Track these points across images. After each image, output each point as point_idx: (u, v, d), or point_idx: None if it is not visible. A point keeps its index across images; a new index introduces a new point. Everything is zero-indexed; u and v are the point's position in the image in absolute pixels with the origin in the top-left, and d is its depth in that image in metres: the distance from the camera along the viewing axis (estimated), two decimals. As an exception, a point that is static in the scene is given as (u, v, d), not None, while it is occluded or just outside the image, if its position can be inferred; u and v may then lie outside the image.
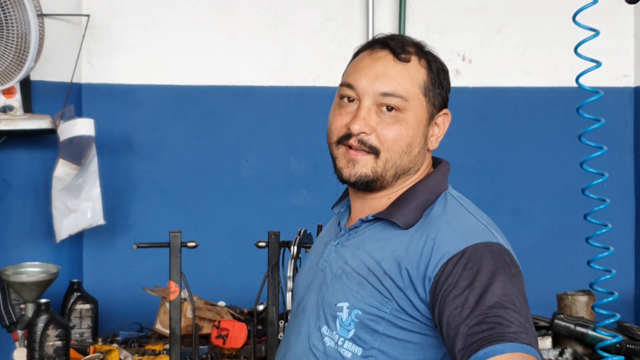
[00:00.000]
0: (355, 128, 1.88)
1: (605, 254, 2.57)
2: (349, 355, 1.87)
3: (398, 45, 1.93)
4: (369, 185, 1.93)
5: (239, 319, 3.60)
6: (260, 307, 3.46)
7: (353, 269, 1.91)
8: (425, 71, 1.93)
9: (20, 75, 3.70)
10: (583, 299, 3.76)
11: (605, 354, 2.53)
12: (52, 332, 3.18)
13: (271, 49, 4.49)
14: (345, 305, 1.88)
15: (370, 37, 4.32)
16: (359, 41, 4.42)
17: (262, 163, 4.52)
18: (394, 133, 1.90)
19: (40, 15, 3.77)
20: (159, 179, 4.46)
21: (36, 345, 3.17)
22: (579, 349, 3.55)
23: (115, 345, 3.53)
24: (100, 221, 3.98)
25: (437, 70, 1.95)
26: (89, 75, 4.34)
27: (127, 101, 4.41)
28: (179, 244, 3.15)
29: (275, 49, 4.49)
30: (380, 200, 1.98)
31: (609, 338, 3.46)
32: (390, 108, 1.89)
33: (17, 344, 3.39)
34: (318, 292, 1.99)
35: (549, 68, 4.55)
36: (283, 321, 3.17)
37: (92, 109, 4.29)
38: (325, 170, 4.33)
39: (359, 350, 1.86)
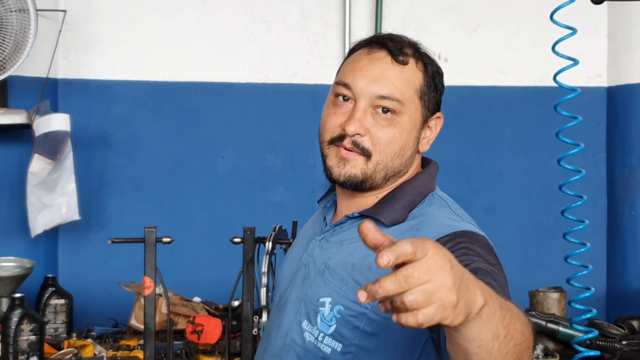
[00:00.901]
0: (351, 129, 1.88)
1: (581, 249, 2.60)
2: (328, 350, 1.87)
3: (396, 47, 1.92)
4: (357, 186, 1.94)
5: (214, 315, 3.61)
6: (236, 303, 3.55)
7: (337, 264, 1.92)
8: (422, 74, 1.93)
9: (14, 69, 3.72)
10: (555, 295, 3.80)
11: (582, 349, 2.55)
12: (26, 327, 3.18)
13: (248, 45, 4.50)
14: (327, 300, 1.89)
15: (347, 35, 4.46)
16: (336, 39, 4.53)
17: (239, 159, 4.52)
18: (388, 136, 1.90)
19: (21, 11, 3.77)
20: (135, 175, 4.45)
21: (10, 339, 3.16)
22: (550, 345, 3.59)
23: (89, 341, 3.54)
24: (76, 216, 3.97)
25: (432, 73, 1.95)
26: (65, 70, 4.34)
27: (103, 97, 4.41)
28: (154, 239, 3.16)
29: (252, 46, 4.50)
30: (368, 199, 1.99)
31: (580, 334, 3.52)
32: (385, 110, 1.89)
33: (-9, 338, 3.38)
34: (300, 286, 1.99)
35: (523, 67, 4.58)
36: (258, 317, 3.18)
37: (68, 104, 4.29)
38: (301, 167, 4.58)
39: (338, 346, 1.86)
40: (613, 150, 4.63)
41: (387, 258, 1.21)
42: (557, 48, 2.47)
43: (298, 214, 4.21)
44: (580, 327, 3.42)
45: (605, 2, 2.72)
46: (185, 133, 4.49)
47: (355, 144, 1.90)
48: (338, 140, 1.91)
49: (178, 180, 4.49)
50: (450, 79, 4.39)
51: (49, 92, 4.14)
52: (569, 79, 2.54)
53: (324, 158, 1.96)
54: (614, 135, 4.62)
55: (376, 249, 1.26)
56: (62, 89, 4.34)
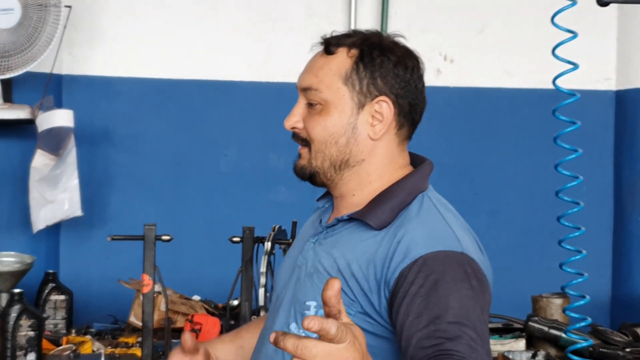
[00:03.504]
0: (286, 124, 1.97)
1: (577, 257, 2.58)
2: None
3: (333, 40, 1.95)
4: (311, 178, 1.97)
5: (212, 314, 3.60)
6: (235, 302, 3.54)
7: (325, 268, 1.91)
8: (351, 60, 1.91)
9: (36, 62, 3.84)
10: (558, 301, 3.77)
11: (576, 358, 2.52)
12: (24, 323, 3.17)
13: (253, 44, 4.49)
14: (313, 304, 1.88)
15: None
16: (342, 38, 4.48)
17: (241, 158, 4.50)
18: (317, 125, 1.92)
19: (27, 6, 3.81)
20: (138, 172, 4.43)
21: (8, 335, 3.15)
22: (553, 352, 3.57)
23: (88, 337, 3.53)
24: (78, 212, 3.96)
25: (370, 57, 1.91)
26: (69, 66, 4.32)
27: (107, 93, 4.39)
28: (154, 237, 3.16)
29: (257, 45, 4.49)
30: (347, 198, 1.98)
31: (582, 341, 3.50)
32: (314, 103, 1.93)
33: (-10, 333, 3.37)
34: (293, 288, 1.98)
35: (528, 69, 4.54)
36: (256, 317, 3.17)
37: (71, 100, 4.26)
38: None
39: None
40: (620, 154, 4.59)
41: (312, 325, 1.32)
42: (562, 51, 2.45)
43: (299, 214, 4.18)
44: (574, 336, 3.34)
45: (614, 5, 2.69)
46: (188, 131, 4.47)
47: (297, 137, 1.97)
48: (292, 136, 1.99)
49: (180, 178, 4.47)
50: (455, 80, 4.48)
51: (53, 88, 4.11)
52: (575, 82, 2.52)
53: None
54: (622, 140, 4.59)
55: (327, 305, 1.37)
56: (66, 85, 4.32)
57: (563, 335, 3.54)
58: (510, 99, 4.60)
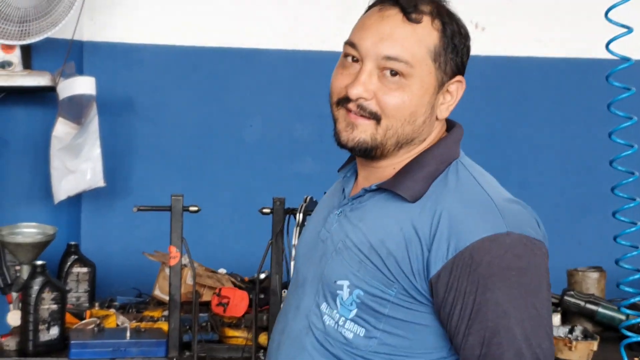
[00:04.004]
0: (353, 93, 1.75)
1: (632, 229, 2.46)
2: (350, 335, 1.77)
3: (410, 4, 1.77)
4: (367, 153, 1.80)
5: (239, 287, 3.51)
6: (262, 275, 3.42)
7: (354, 244, 1.79)
8: (438, 34, 1.77)
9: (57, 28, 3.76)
10: (594, 275, 3.68)
11: (630, 334, 2.43)
12: (47, 295, 3.09)
13: (278, 11, 4.39)
14: (345, 283, 1.77)
15: None
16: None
17: (266, 128, 4.43)
18: (396, 100, 1.76)
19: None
20: (161, 142, 4.37)
21: (31, 308, 3.07)
22: (589, 327, 3.47)
23: (112, 311, 3.45)
24: (100, 183, 3.91)
25: (451, 34, 1.78)
26: (90, 32, 4.23)
27: (129, 60, 4.30)
28: (181, 208, 3.07)
29: (282, 12, 4.39)
30: (385, 170, 1.84)
31: (621, 316, 3.42)
32: (394, 73, 1.75)
33: (10, 306, 3.30)
34: (318, 264, 1.87)
35: (564, 37, 4.44)
36: (286, 290, 3.08)
37: (93, 67, 4.18)
38: (330, 138, 4.20)
39: (361, 331, 1.76)
40: None
41: None
42: (610, 15, 2.33)
43: (325, 185, 4.07)
44: (627, 311, 3.28)
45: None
46: (213, 100, 4.39)
47: (362, 108, 1.76)
48: (344, 101, 1.78)
49: (204, 149, 4.40)
50: (485, 49, 4.34)
51: (74, 55, 4.02)
52: (623, 49, 2.40)
53: (334, 121, 1.83)
54: None
55: None
56: (87, 52, 4.24)
57: (600, 310, 3.46)
58: (544, 68, 4.49)
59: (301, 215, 2.97)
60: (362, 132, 1.78)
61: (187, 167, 4.39)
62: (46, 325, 3.09)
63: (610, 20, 2.32)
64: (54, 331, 3.11)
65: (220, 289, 3.30)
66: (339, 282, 1.79)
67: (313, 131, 4.40)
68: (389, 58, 1.74)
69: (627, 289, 2.45)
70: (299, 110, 4.41)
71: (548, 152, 4.53)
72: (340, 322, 1.77)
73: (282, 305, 2.63)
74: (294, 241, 2.92)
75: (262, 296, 3.25)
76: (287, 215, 3.11)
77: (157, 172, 4.35)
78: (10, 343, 3.13)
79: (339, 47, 4.53)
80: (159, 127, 4.36)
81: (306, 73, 4.39)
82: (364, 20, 1.81)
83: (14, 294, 3.28)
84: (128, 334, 3.12)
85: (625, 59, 2.31)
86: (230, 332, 3.26)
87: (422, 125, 1.81)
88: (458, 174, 1.80)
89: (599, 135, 4.40)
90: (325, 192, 2.59)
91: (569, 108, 4.49)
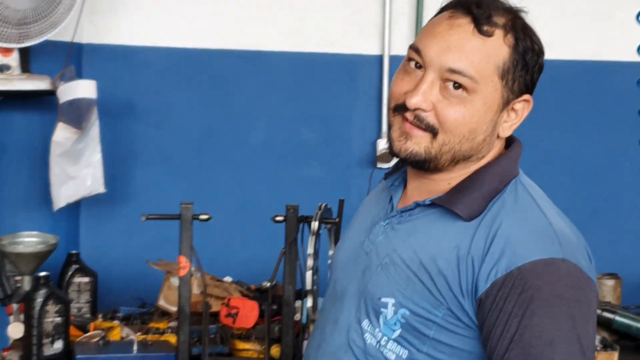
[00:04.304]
0: (412, 102, 1.66)
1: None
2: (392, 357, 1.68)
3: (484, 14, 1.67)
4: (420, 165, 1.72)
5: (247, 296, 3.42)
6: (265, 284, 3.41)
7: (403, 260, 1.70)
8: (509, 50, 1.67)
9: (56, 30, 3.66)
10: (610, 282, 3.60)
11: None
12: (51, 308, 2.99)
13: (284, 12, 4.28)
14: (390, 301, 1.68)
15: (388, 3, 4.21)
16: (376, 7, 4.30)
17: (271, 132, 4.33)
18: (457, 115, 1.66)
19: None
20: (163, 147, 4.27)
21: (34, 321, 2.97)
22: (606, 335, 3.38)
23: (116, 322, 3.33)
24: (101, 189, 3.81)
25: (524, 50, 1.68)
26: (90, 34, 4.11)
27: (130, 63, 4.20)
28: (191, 216, 2.97)
29: (288, 12, 4.29)
30: (439, 184, 1.76)
31: (638, 324, 3.35)
32: (457, 86, 1.65)
33: (10, 318, 3.19)
34: (361, 278, 1.77)
35: (573, 39, 4.36)
36: (300, 301, 2.99)
37: (93, 70, 4.06)
38: (337, 142, 4.37)
39: (404, 353, 1.67)
40: None
41: None
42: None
43: (331, 190, 4.03)
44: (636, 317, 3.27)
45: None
46: (216, 103, 4.29)
47: (419, 119, 1.67)
48: (402, 109, 1.69)
49: (207, 153, 4.30)
50: None
51: (73, 58, 3.92)
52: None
53: (389, 127, 1.75)
54: None
55: None
56: (87, 55, 4.13)
57: (617, 318, 3.38)
58: (552, 71, 4.21)
59: (317, 223, 2.88)
60: (416, 144, 1.70)
61: (190, 173, 4.30)
62: (50, 338, 3.00)
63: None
64: (58, 345, 3.01)
65: (229, 299, 3.22)
66: (383, 300, 1.70)
67: (319, 135, 4.34)
68: (453, 71, 1.66)
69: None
70: (305, 113, 4.33)
71: (557, 157, 4.44)
72: (383, 342, 1.69)
73: (316, 318, 2.53)
74: (310, 250, 2.82)
75: (274, 307, 3.15)
76: (301, 224, 3.00)
77: (159, 178, 4.26)
78: (13, 357, 3.05)
79: (345, 49, 4.54)
80: (161, 132, 4.26)
81: (312, 75, 4.33)
82: (432, 26, 1.72)
83: (15, 306, 3.17)
84: (135, 347, 3.01)
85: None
86: (241, 345, 3.17)
87: (482, 143, 1.72)
88: (517, 194, 1.71)
89: (608, 139, 4.41)
90: (341, 199, 2.47)
91: (579, 112, 4.44)
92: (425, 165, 1.71)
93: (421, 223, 1.73)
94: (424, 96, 1.66)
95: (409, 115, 1.68)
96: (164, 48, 4.21)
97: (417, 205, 1.75)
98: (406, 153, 1.70)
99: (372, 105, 4.30)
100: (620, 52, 4.30)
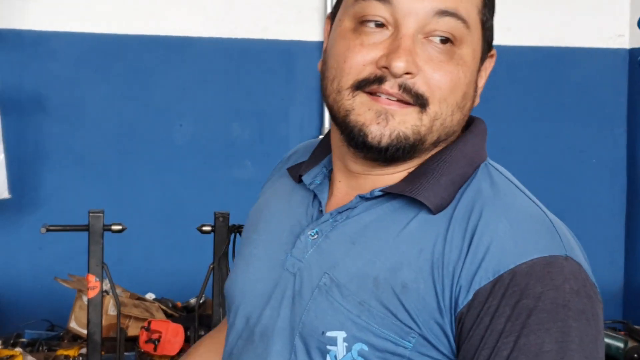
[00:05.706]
0: (399, 67, 1.27)
1: None
2: None
3: None
4: (404, 152, 1.32)
5: (172, 317, 3.15)
6: (193, 301, 3.23)
7: (349, 278, 1.30)
8: None
9: None
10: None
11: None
12: None
13: (212, -7, 4.13)
14: (340, 335, 1.29)
15: None
16: (316, -12, 4.18)
17: (199, 129, 4.14)
18: (450, 77, 1.30)
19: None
20: (76, 146, 4.05)
21: None
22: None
23: (18, 350, 2.99)
24: (5, 194, 3.61)
25: None
26: (-7, 18, 3.94)
27: (38, 51, 3.98)
28: (101, 227, 2.59)
29: (216, -6, 4.13)
30: (393, 177, 1.36)
31: (618, 343, 3.12)
32: (444, 39, 1.29)
33: None
34: (290, 308, 1.36)
35: (532, 25, 4.22)
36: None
37: (-5, 58, 3.91)
38: (272, 139, 4.08)
39: None
40: (635, 124, 4.22)
41: None
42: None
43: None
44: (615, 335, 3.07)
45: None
46: (136, 96, 4.09)
47: (406, 89, 1.28)
48: (371, 83, 1.29)
49: (127, 153, 4.10)
50: None
51: (-28, 45, 3.75)
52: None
53: (344, 114, 1.33)
54: (637, 107, 4.20)
55: None
56: (-11, 41, 3.96)
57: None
58: (511, 58, 4.22)
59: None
60: (402, 123, 1.30)
61: (107, 175, 4.11)
62: None
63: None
64: (-56, 381, 2.61)
65: (149, 322, 2.88)
66: (329, 334, 1.29)
67: (252, 131, 4.18)
68: (443, 13, 1.29)
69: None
70: (236, 107, 4.16)
71: (516, 151, 4.22)
72: None
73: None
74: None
75: (202, 333, 2.80)
76: (233, 234, 2.68)
77: (71, 182, 4.06)
78: None
79: (281, 35, 4.26)
80: (73, 128, 4.06)
81: (244, 64, 4.16)
82: None
83: None
84: (37, 382, 2.65)
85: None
86: (164, 376, 2.88)
87: (467, 114, 1.36)
88: (492, 180, 1.34)
89: (571, 130, 4.22)
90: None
91: (538, 102, 4.28)
92: (409, 153, 1.33)
93: (368, 223, 1.34)
94: (412, 56, 1.29)
95: (388, 87, 1.28)
96: (76, 34, 4.03)
97: (361, 199, 1.36)
98: (391, 138, 1.30)
99: (312, 98, 4.13)
100: (583, 38, 4.22)
